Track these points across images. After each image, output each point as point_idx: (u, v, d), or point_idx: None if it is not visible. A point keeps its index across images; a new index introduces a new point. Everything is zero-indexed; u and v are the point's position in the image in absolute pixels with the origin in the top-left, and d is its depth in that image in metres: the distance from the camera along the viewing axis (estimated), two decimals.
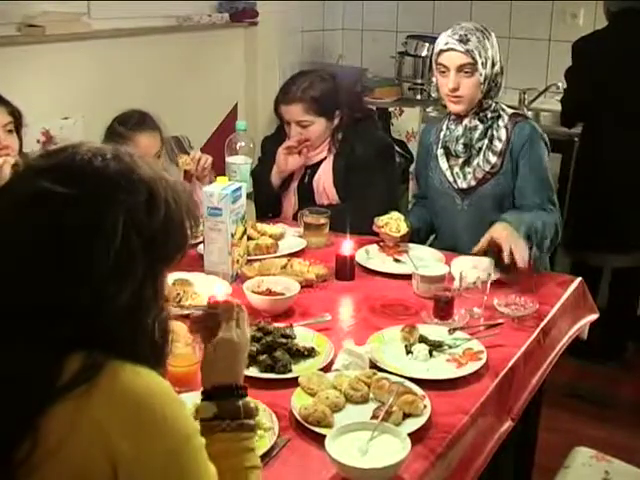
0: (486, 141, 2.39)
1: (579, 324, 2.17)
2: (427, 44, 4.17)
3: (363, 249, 2.34)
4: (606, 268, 3.51)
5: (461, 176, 2.43)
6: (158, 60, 3.49)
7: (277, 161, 2.69)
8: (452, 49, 2.31)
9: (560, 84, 3.66)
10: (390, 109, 3.56)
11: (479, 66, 2.31)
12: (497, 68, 2.36)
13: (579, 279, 2.23)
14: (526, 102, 3.95)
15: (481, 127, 2.39)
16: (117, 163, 1.05)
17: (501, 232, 2.12)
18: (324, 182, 2.73)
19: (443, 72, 2.36)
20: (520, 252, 2.07)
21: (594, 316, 2.25)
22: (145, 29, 3.42)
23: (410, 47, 4.30)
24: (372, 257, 2.32)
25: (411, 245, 2.39)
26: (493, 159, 2.38)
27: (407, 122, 3.45)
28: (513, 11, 4.10)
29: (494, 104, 2.41)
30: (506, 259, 2.06)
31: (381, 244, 2.38)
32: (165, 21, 3.57)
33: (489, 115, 2.39)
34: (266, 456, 1.34)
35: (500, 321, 1.91)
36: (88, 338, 1.02)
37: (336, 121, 2.71)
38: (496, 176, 2.39)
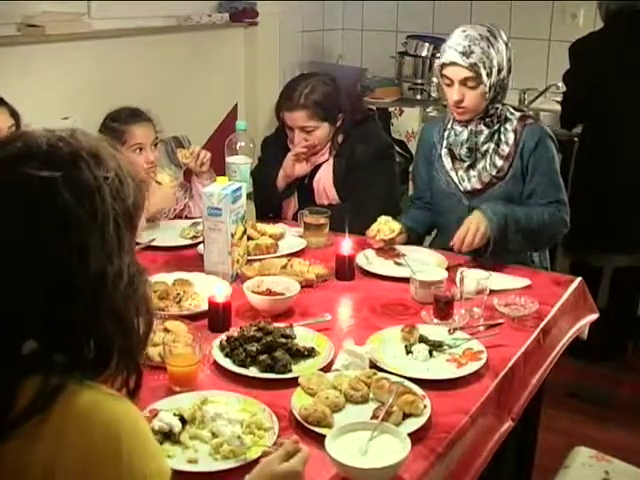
0: (492, 145, 2.37)
1: (579, 324, 2.16)
2: (427, 44, 4.16)
3: (362, 254, 2.30)
4: (606, 268, 3.51)
5: (466, 179, 2.41)
6: (158, 60, 3.49)
7: (284, 167, 2.68)
8: (455, 63, 2.28)
9: (560, 84, 3.66)
10: (390, 109, 3.57)
11: (484, 78, 2.27)
12: (504, 73, 2.31)
13: (579, 279, 2.23)
14: (526, 102, 3.95)
15: (486, 131, 2.37)
16: (78, 142, 0.99)
17: (471, 218, 2.21)
18: (324, 182, 2.72)
19: (448, 84, 2.34)
20: (472, 235, 2.16)
21: (594, 316, 2.25)
22: (145, 29, 3.42)
23: (410, 47, 4.29)
24: (372, 262, 2.28)
25: (411, 247, 2.38)
26: (500, 163, 2.37)
27: (407, 122, 3.46)
28: (513, 11, 4.10)
29: (500, 107, 2.37)
30: (455, 239, 2.18)
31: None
32: (165, 21, 3.57)
33: (495, 120, 2.37)
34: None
35: (500, 321, 1.91)
36: (80, 332, 0.96)
37: (338, 124, 2.70)
38: (504, 180, 2.37)
